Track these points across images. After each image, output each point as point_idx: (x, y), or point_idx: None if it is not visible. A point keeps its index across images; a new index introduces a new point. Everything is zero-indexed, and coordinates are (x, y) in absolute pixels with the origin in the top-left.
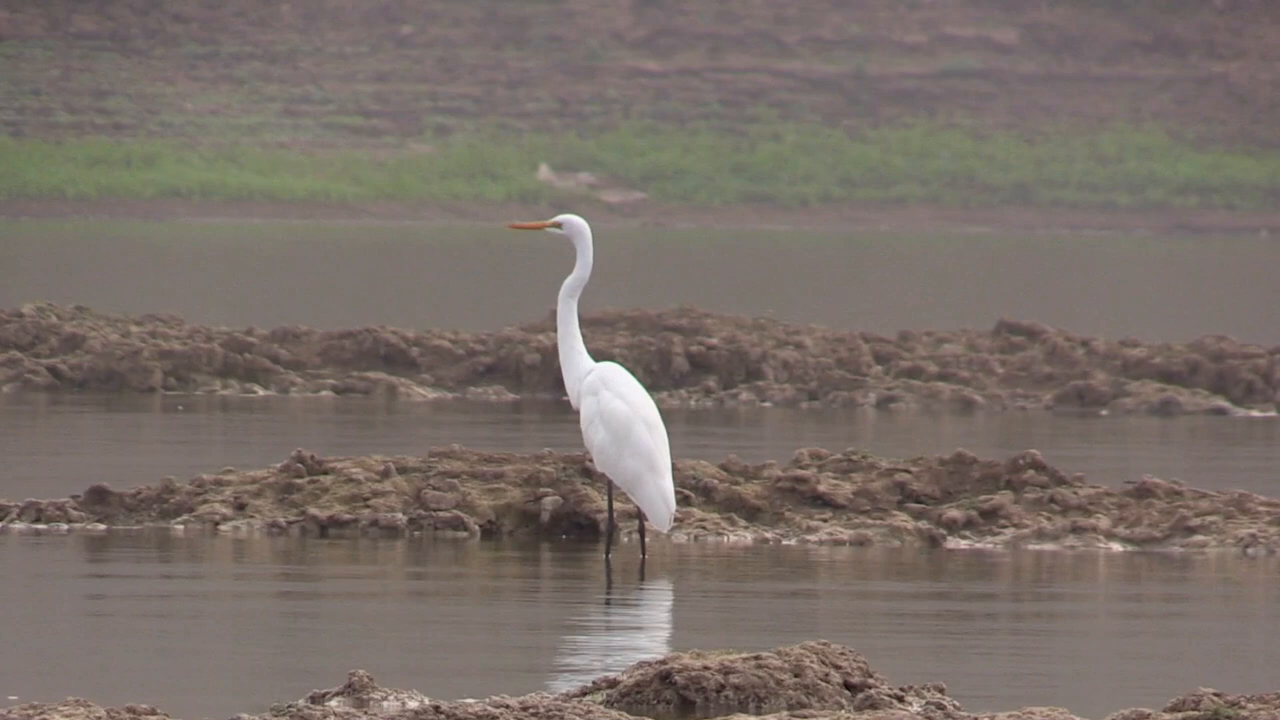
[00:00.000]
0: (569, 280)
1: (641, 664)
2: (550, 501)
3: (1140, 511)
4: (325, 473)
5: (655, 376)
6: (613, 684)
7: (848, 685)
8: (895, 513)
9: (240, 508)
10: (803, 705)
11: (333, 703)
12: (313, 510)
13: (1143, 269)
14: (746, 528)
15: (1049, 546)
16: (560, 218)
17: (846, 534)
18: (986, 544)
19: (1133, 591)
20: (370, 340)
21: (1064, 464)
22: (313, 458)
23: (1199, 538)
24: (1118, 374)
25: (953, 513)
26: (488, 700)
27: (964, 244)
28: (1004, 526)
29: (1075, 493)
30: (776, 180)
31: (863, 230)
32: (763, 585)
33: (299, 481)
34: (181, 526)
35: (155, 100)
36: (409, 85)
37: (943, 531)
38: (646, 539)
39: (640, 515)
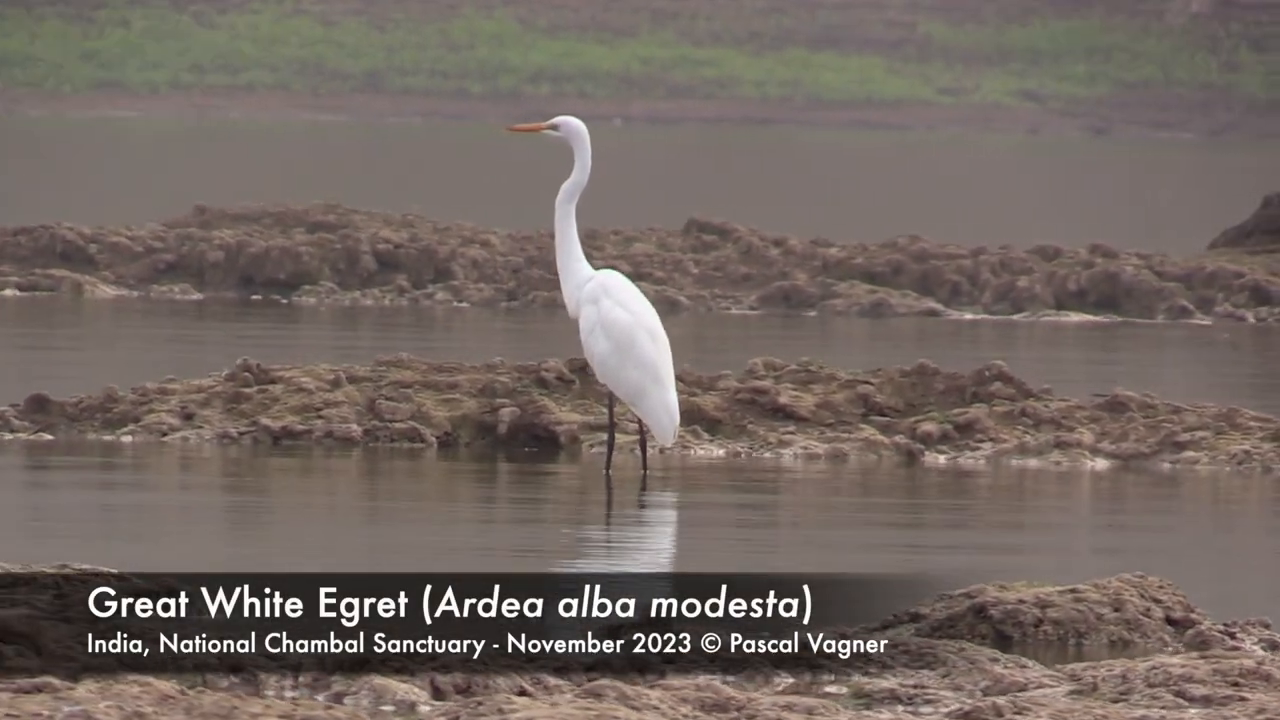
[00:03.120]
0: (566, 185)
1: (943, 595)
2: (508, 413)
3: (1123, 426)
4: (273, 381)
5: (342, 275)
6: (916, 617)
7: (1170, 620)
8: (862, 426)
9: (188, 417)
10: (1125, 641)
11: (636, 634)
12: (265, 420)
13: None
14: (711, 440)
15: (1033, 462)
16: (557, 119)
17: (821, 448)
18: (966, 459)
19: None
20: (47, 237)
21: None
22: (259, 366)
23: (1189, 454)
24: (818, 274)
25: (927, 426)
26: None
27: (312, 131)
28: (981, 441)
29: (1046, 405)
30: (125, 67)
31: (213, 118)
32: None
33: (247, 391)
34: (129, 437)
35: None
36: None
37: (920, 446)
38: (648, 452)
39: (642, 428)
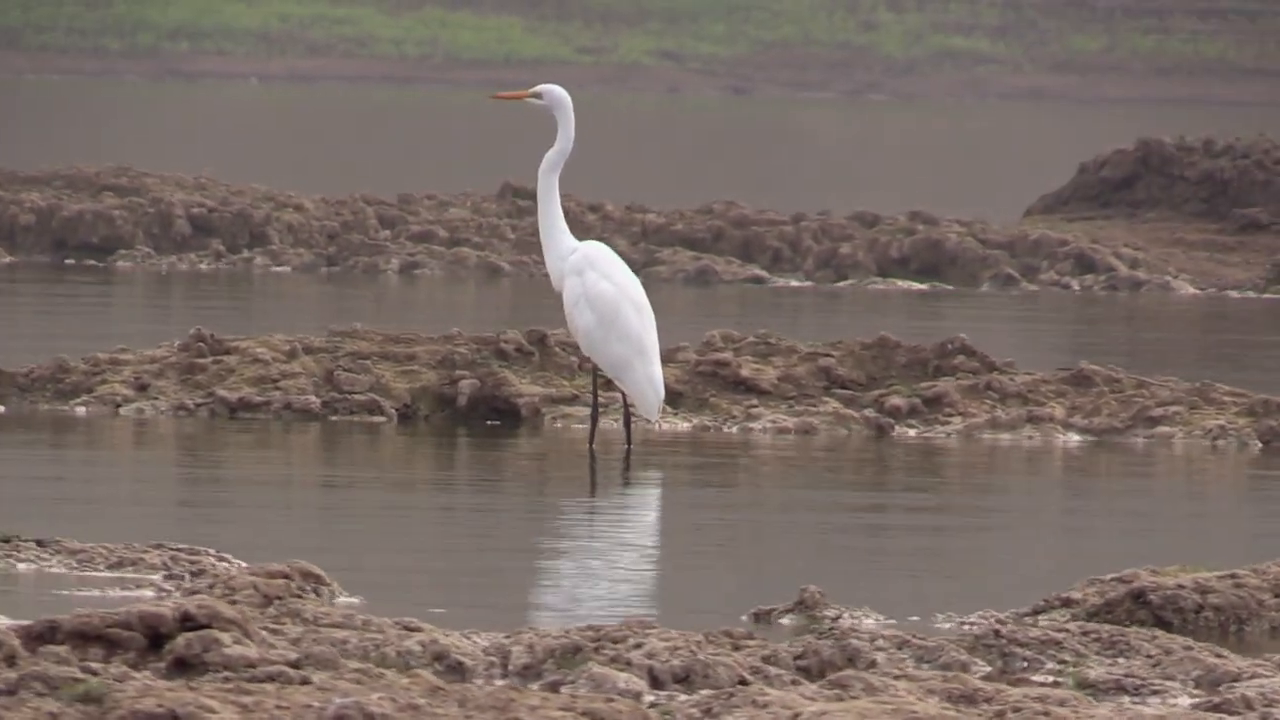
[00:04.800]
0: (550, 154)
1: (1095, 580)
2: (468, 385)
3: (1094, 400)
4: (228, 352)
5: (156, 240)
6: (1068, 602)
7: None
8: (825, 399)
9: (142, 389)
10: None
11: (784, 620)
12: (221, 392)
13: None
14: (675, 414)
15: (1005, 437)
16: (540, 88)
17: (791, 422)
18: (937, 433)
19: None
20: None
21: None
22: (213, 336)
23: (1164, 428)
24: (637, 240)
25: (895, 400)
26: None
27: None
28: (950, 415)
29: (1011, 379)
30: None
31: None
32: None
33: (202, 361)
34: (82, 408)
35: None
36: None
37: (890, 420)
38: (632, 428)
39: (626, 402)
